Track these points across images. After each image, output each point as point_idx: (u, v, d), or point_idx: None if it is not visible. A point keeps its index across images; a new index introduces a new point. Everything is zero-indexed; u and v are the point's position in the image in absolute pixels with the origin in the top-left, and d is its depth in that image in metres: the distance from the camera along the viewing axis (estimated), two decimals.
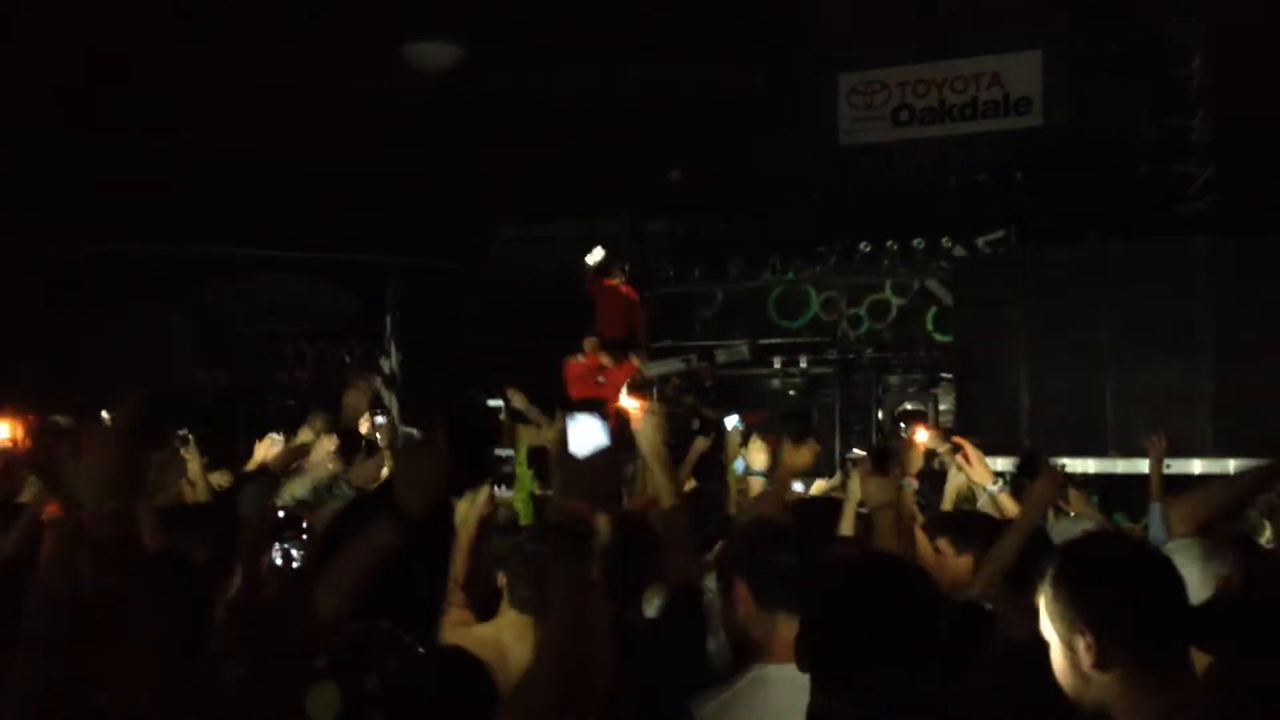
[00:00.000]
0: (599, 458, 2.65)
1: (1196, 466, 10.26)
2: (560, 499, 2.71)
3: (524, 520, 5.30)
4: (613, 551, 3.50)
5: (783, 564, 3.35)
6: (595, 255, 13.77)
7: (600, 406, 2.77)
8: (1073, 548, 2.70)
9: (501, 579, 3.87)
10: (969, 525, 4.79)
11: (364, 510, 3.02)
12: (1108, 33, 15.50)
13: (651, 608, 3.85)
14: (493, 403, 11.84)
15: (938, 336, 15.22)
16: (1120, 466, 10.28)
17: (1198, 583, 3.58)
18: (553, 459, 2.96)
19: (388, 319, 15.99)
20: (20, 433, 4.01)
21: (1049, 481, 4.47)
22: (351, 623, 2.53)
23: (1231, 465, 9.65)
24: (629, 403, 7.65)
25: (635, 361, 13.12)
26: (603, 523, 2.61)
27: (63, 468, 3.17)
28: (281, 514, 4.31)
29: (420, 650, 2.47)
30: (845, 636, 2.48)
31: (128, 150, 15.05)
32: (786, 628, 3.21)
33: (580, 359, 13.03)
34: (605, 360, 12.87)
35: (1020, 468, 4.92)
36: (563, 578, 2.64)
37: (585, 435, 2.65)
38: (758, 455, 5.69)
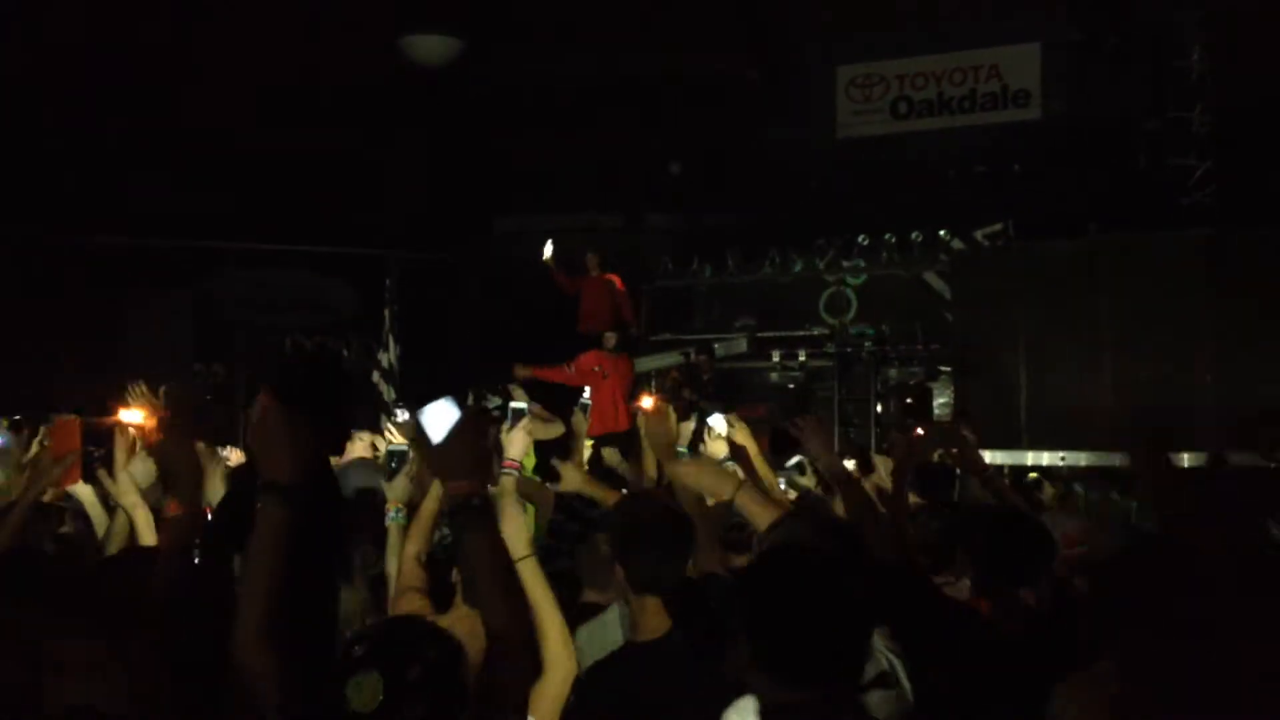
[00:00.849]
0: (459, 433, 2.64)
1: (1197, 458, 10.26)
2: (442, 486, 2.69)
3: None
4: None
5: (651, 555, 3.51)
6: (547, 250, 13.71)
7: (443, 391, 2.73)
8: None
9: (455, 574, 3.89)
10: None
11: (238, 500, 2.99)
12: (1106, 25, 15.47)
13: None
14: (493, 400, 11.85)
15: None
16: (1116, 459, 10.27)
17: None
18: (420, 455, 2.94)
19: (386, 312, 16.01)
20: (153, 423, 4.02)
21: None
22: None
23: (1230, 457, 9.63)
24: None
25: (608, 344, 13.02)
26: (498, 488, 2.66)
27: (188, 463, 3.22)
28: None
29: (457, 641, 2.45)
30: (789, 631, 2.49)
31: (127, 143, 15.05)
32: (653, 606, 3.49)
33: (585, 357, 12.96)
34: (610, 343, 12.83)
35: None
36: (483, 553, 2.65)
37: (438, 419, 2.64)
38: (717, 446, 5.67)
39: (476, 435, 2.69)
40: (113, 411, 3.99)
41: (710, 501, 4.02)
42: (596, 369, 12.50)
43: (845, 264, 15.96)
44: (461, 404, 2.66)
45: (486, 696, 2.48)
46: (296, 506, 2.57)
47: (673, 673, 3.38)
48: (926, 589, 3.66)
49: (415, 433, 2.68)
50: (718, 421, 5.59)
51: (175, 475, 3.29)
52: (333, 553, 2.97)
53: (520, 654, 2.66)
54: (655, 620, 3.52)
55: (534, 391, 11.57)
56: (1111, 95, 15.43)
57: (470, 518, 2.62)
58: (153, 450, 3.72)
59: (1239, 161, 14.33)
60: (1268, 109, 14.24)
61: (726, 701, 2.71)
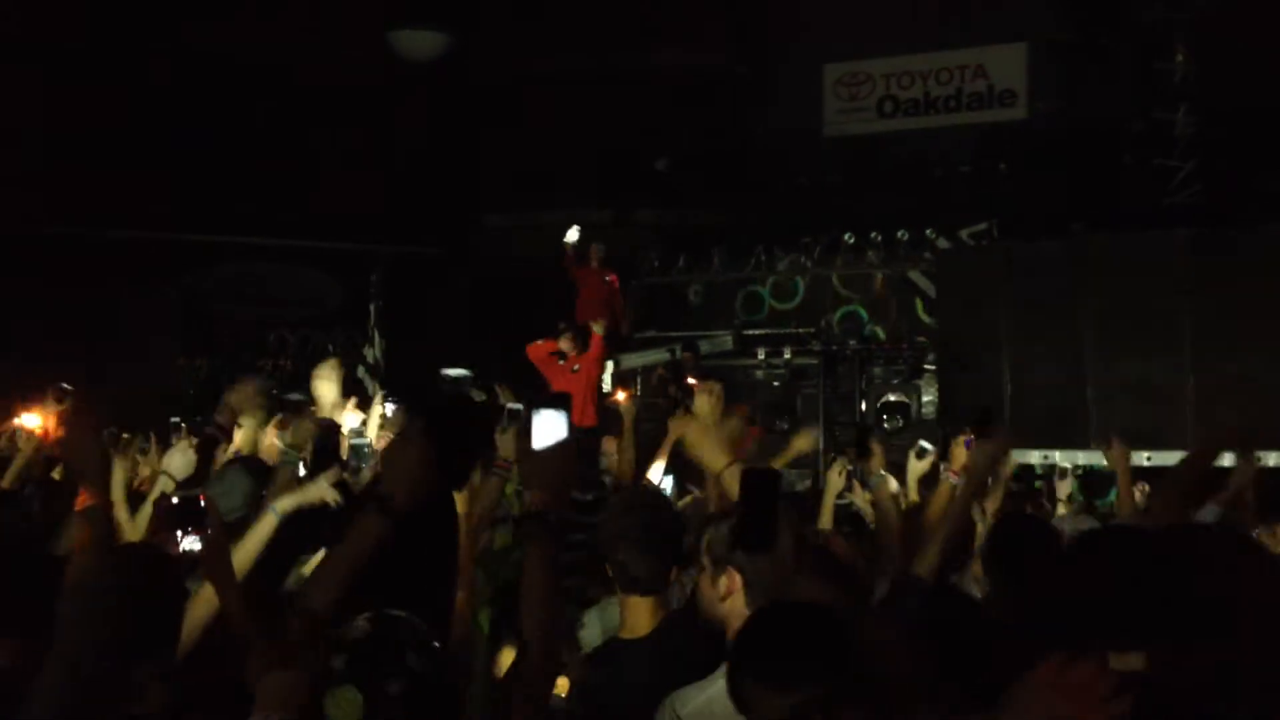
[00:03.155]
0: (558, 450, 2.71)
1: (1179, 459, 10.27)
2: (526, 487, 2.77)
3: (515, 512, 5.33)
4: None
5: (636, 553, 3.46)
6: (572, 234, 13.78)
7: (566, 401, 2.79)
8: None
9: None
10: None
11: (353, 509, 3.04)
12: (1092, 25, 15.52)
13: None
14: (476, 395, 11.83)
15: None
16: (1101, 460, 10.29)
17: None
18: (516, 451, 3.00)
19: (371, 307, 15.99)
20: (52, 423, 4.05)
21: (991, 446, 4.47)
22: (348, 617, 2.52)
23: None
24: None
25: (596, 330, 12.99)
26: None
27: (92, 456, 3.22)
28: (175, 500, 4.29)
29: (437, 645, 2.46)
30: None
31: (112, 136, 15.00)
32: (636, 605, 3.43)
33: (539, 342, 12.96)
34: (566, 346, 12.80)
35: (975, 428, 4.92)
36: (535, 566, 2.71)
37: (548, 428, 2.71)
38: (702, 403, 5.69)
39: (570, 457, 2.77)
40: (14, 414, 4.00)
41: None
42: (576, 369, 12.57)
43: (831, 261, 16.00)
44: (571, 424, 2.74)
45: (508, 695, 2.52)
46: (394, 526, 2.62)
47: (642, 673, 3.37)
48: None
49: (519, 430, 2.74)
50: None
51: (83, 467, 3.29)
52: (437, 587, 3.03)
53: (544, 664, 2.71)
54: (638, 619, 3.53)
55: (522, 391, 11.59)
56: (1097, 96, 15.48)
57: (537, 529, 2.69)
58: (57, 446, 3.72)
59: (1223, 163, 14.39)
60: (1252, 111, 14.30)
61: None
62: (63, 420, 3.61)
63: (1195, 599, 2.89)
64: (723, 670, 3.03)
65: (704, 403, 4.96)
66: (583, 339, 12.83)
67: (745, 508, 3.11)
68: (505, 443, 4.37)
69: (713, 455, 3.98)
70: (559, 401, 2.77)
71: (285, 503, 4.10)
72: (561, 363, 12.72)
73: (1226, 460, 5.55)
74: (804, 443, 7.30)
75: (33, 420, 4.09)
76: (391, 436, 5.77)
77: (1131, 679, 2.65)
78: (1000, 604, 4.02)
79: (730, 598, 3.31)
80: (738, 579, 3.30)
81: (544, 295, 14.36)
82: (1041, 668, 2.13)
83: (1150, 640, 2.72)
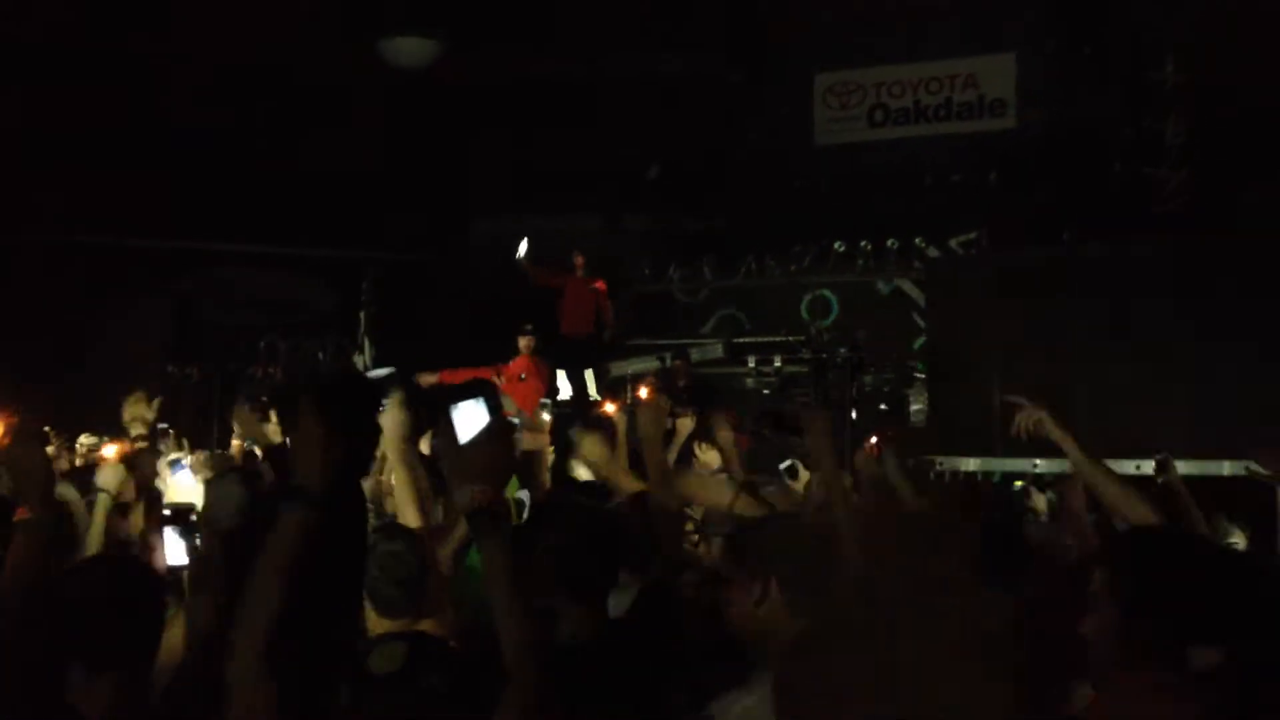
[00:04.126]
0: (487, 437, 2.64)
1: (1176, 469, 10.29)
2: (457, 487, 2.67)
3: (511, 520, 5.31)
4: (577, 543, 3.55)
5: (584, 560, 3.41)
6: (521, 248, 13.77)
7: (483, 388, 2.72)
8: None
9: None
10: None
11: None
12: (1082, 35, 15.57)
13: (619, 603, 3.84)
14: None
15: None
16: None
17: None
18: (440, 449, 2.92)
19: (362, 315, 15.97)
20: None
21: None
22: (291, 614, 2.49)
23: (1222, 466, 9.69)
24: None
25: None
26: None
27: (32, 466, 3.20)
28: (167, 511, 4.28)
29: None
30: None
31: (103, 142, 14.98)
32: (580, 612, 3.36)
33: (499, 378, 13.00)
34: (525, 345, 12.90)
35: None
36: (495, 563, 2.63)
37: (469, 420, 2.64)
38: (710, 456, 5.68)
39: (503, 442, 2.70)
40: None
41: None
42: (522, 377, 12.59)
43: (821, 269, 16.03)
44: (492, 408, 2.66)
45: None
46: (321, 514, 2.53)
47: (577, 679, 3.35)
48: None
49: (440, 428, 2.66)
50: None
51: (25, 479, 3.26)
52: (355, 575, 2.95)
53: (526, 664, 2.61)
54: (580, 625, 3.52)
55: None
56: (1087, 105, 15.53)
57: (484, 524, 2.61)
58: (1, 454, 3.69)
59: (1212, 172, 14.43)
60: (1241, 120, 14.34)
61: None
62: (9, 429, 3.59)
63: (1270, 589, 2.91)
64: (760, 680, 3.03)
65: (645, 415, 4.72)
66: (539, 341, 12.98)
67: None
68: None
69: (719, 494, 3.94)
70: (474, 390, 2.69)
71: None
72: (523, 380, 12.75)
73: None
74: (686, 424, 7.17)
75: None
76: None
77: (1211, 673, 2.67)
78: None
79: (766, 604, 3.28)
80: (774, 585, 3.28)
81: (534, 302, 14.34)
82: None
83: (1228, 634, 2.73)
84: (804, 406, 4.51)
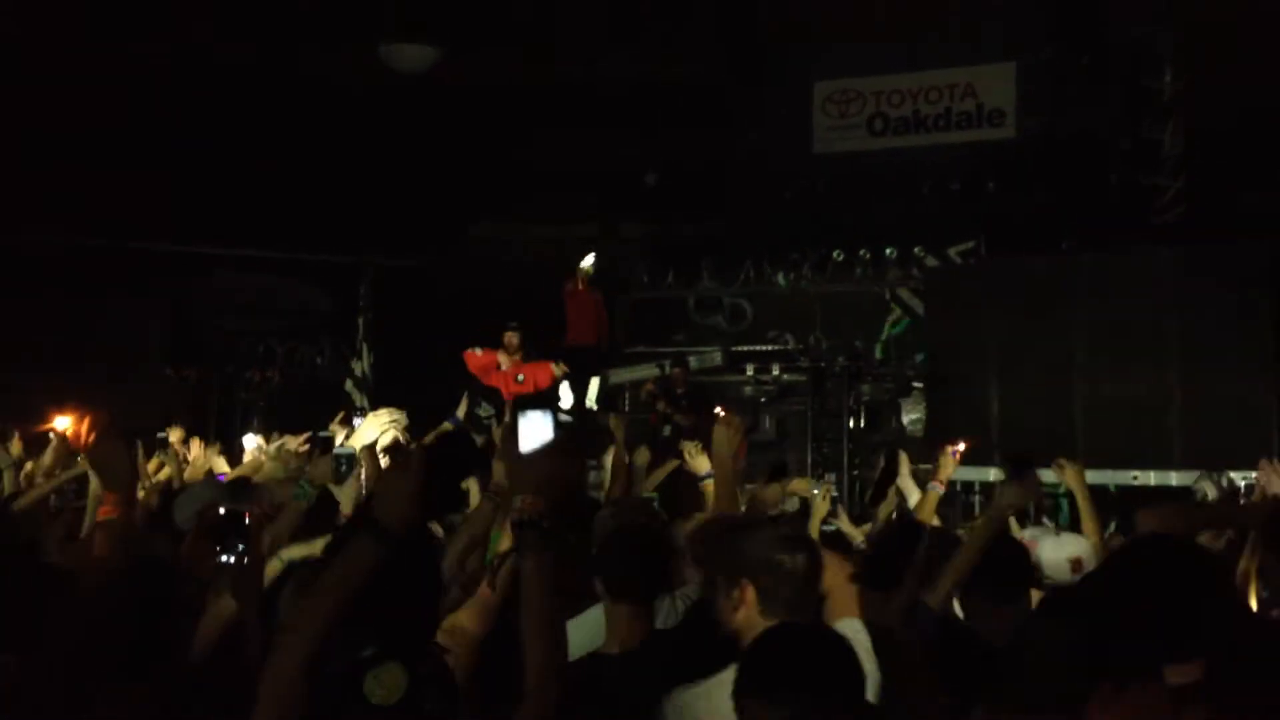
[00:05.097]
0: (546, 451, 2.64)
1: (1169, 478, 10.33)
2: (513, 493, 2.67)
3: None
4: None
5: (796, 570, 3.37)
6: (588, 260, 13.82)
7: (549, 402, 2.76)
8: None
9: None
10: None
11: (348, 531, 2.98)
12: (1080, 45, 15.59)
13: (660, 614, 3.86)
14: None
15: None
16: (1086, 477, 10.28)
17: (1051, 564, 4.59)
18: (503, 455, 2.92)
19: (360, 319, 15.97)
20: (84, 428, 4.04)
21: (1021, 488, 4.39)
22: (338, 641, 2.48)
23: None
24: None
25: (554, 369, 13.06)
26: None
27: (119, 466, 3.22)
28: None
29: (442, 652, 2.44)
30: None
31: (99, 145, 14.98)
32: (627, 613, 3.45)
33: (477, 352, 12.94)
34: (503, 360, 12.82)
35: (1008, 467, 4.88)
36: (534, 578, 2.63)
37: (534, 431, 2.64)
38: (702, 461, 5.70)
39: (564, 458, 2.70)
40: (48, 419, 4.00)
41: None
42: (519, 378, 12.56)
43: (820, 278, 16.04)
44: (558, 424, 2.67)
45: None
46: (392, 553, 2.52)
47: (629, 690, 3.35)
48: None
49: (505, 433, 2.68)
50: None
51: (111, 476, 3.28)
52: (419, 617, 3.00)
53: (547, 682, 2.61)
54: (628, 629, 3.53)
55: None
56: (1085, 115, 15.54)
57: (532, 536, 2.62)
58: (88, 453, 3.73)
59: (1210, 181, 14.45)
60: (1239, 129, 14.37)
61: None
62: (93, 428, 3.62)
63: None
64: (727, 669, 3.06)
65: (721, 435, 4.75)
66: (528, 342, 12.92)
67: None
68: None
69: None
70: (544, 402, 2.72)
71: (294, 552, 4.13)
72: (503, 370, 12.69)
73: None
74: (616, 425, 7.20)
75: (63, 423, 4.10)
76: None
77: (1191, 690, 2.67)
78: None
79: (743, 610, 3.30)
80: (750, 591, 3.29)
81: (533, 307, 14.35)
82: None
83: (1207, 650, 2.72)
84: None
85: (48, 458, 4.83)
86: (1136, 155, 14.83)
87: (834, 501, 6.18)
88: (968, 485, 11.11)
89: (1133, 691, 2.62)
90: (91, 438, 3.49)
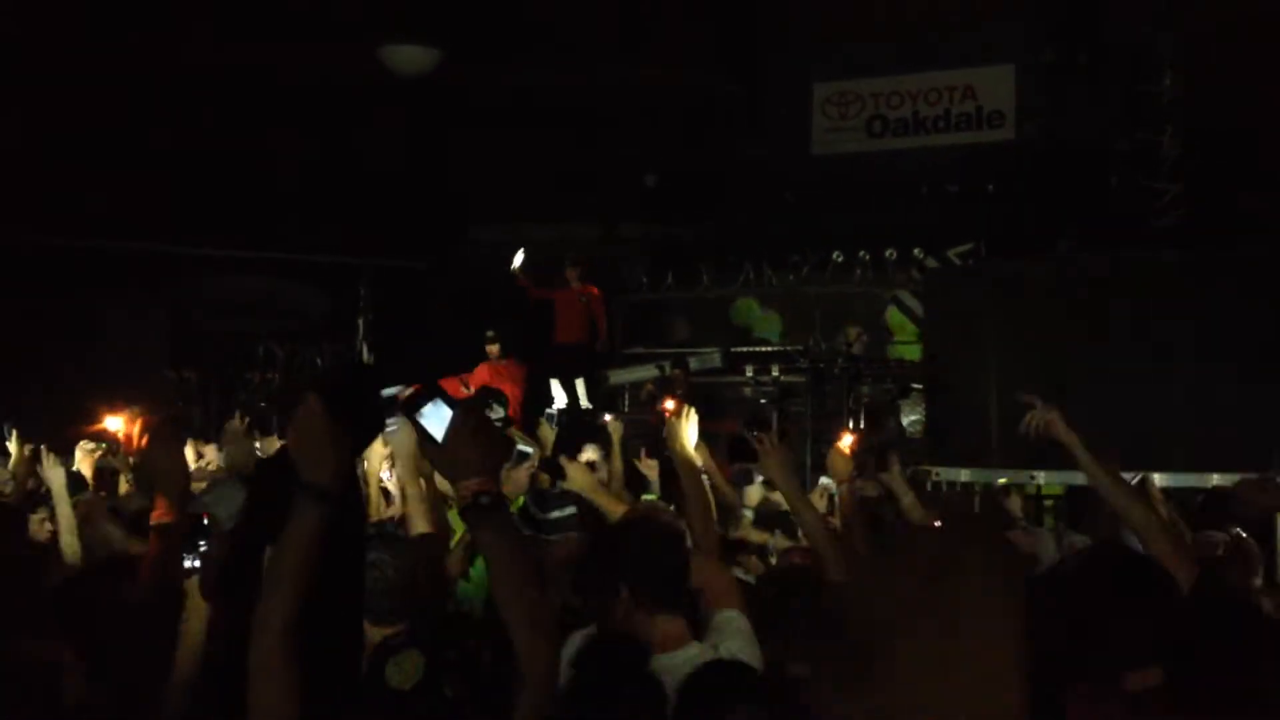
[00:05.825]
0: (459, 430, 2.56)
1: (1169, 481, 10.32)
2: (453, 485, 2.61)
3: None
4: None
5: (669, 565, 3.50)
6: (518, 259, 13.79)
7: (434, 389, 2.66)
8: None
9: None
10: None
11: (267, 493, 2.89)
12: (1080, 47, 15.62)
13: None
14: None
15: (902, 350, 15.25)
16: (1086, 480, 10.28)
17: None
18: (426, 455, 2.85)
19: (360, 320, 15.97)
20: (136, 429, 4.05)
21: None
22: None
23: (1213, 479, 9.70)
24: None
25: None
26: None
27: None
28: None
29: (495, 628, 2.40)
30: None
31: (100, 147, 14.98)
32: (670, 625, 3.45)
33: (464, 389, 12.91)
34: (493, 351, 12.83)
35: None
36: (496, 554, 2.57)
37: (435, 420, 2.56)
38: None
39: (479, 428, 2.61)
40: (97, 419, 4.01)
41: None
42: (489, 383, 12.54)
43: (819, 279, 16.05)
44: (450, 401, 2.58)
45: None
46: (333, 510, 2.47)
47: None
48: None
49: (418, 440, 2.61)
50: None
51: (163, 479, 3.29)
52: (358, 562, 2.93)
53: (544, 658, 2.54)
54: (674, 634, 3.52)
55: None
56: (1084, 117, 15.57)
57: (481, 515, 2.54)
58: (139, 455, 3.75)
59: (1209, 183, 14.47)
60: (1238, 133, 14.39)
61: None
62: (146, 431, 3.62)
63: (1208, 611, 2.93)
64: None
65: (671, 427, 4.65)
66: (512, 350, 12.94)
67: None
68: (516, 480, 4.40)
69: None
70: (429, 394, 2.62)
71: None
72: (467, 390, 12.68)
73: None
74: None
75: (115, 424, 4.12)
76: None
77: (1152, 695, 2.68)
78: None
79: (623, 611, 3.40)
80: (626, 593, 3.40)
81: (531, 309, 14.36)
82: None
83: (1167, 655, 2.74)
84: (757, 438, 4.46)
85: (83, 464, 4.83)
86: (1135, 158, 14.86)
87: (829, 499, 6.18)
88: (967, 486, 11.12)
89: (1097, 696, 2.64)
90: (144, 440, 3.49)
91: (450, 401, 2.57)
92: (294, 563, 2.43)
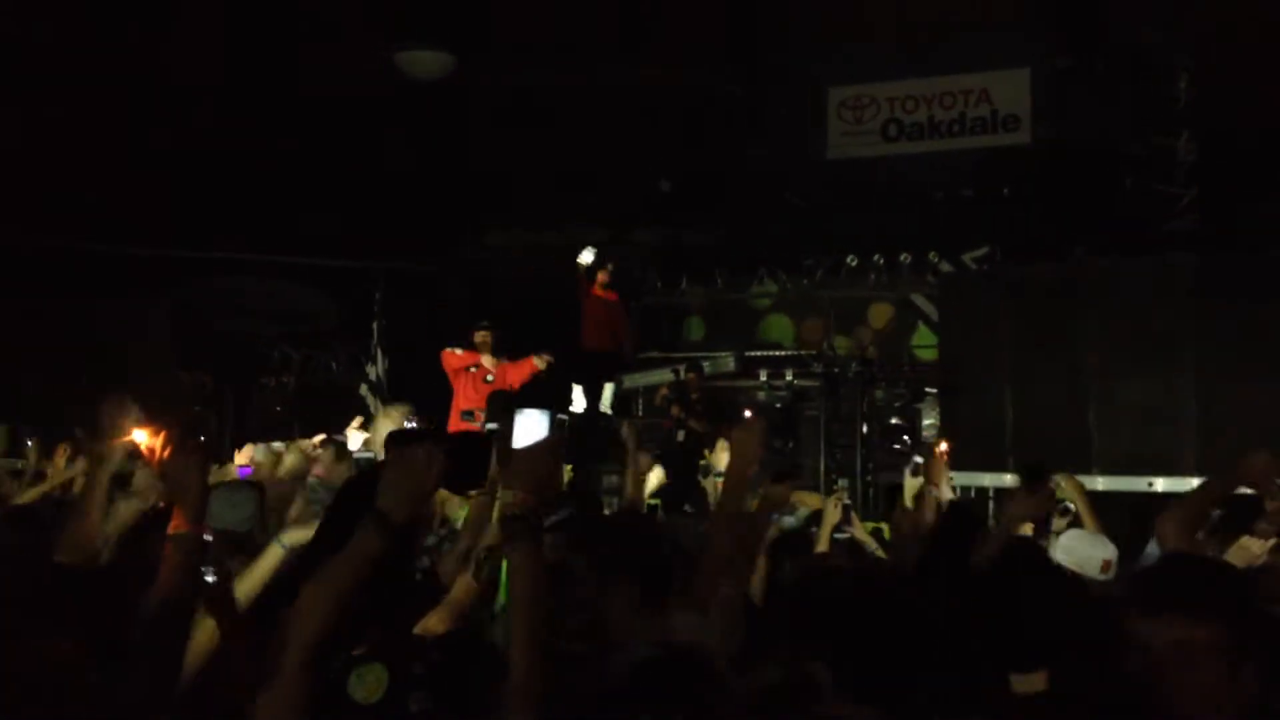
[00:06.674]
0: (539, 449, 2.68)
1: (1183, 484, 10.30)
2: (505, 490, 2.69)
3: None
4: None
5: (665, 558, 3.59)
6: (587, 256, 13.65)
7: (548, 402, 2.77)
8: None
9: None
10: None
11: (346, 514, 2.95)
12: (1095, 51, 15.60)
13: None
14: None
15: (920, 353, 15.25)
16: (1100, 484, 10.31)
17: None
18: (499, 452, 2.92)
19: (374, 325, 15.99)
20: (159, 442, 4.07)
21: (1034, 499, 4.41)
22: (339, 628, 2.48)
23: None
24: None
25: (535, 362, 12.80)
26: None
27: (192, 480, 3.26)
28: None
29: (462, 642, 2.44)
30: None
31: (113, 150, 15.04)
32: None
33: (458, 351, 12.79)
34: (487, 361, 12.64)
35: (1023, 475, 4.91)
36: (524, 571, 2.64)
37: (529, 429, 2.72)
38: (723, 457, 5.75)
39: (555, 455, 2.72)
40: (123, 430, 4.00)
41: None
42: (489, 379, 12.43)
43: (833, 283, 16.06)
44: (553, 422, 2.73)
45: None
46: (393, 545, 2.54)
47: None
48: None
49: (501, 429, 2.70)
50: None
51: (183, 492, 3.32)
52: (399, 598, 3.00)
53: (531, 677, 2.58)
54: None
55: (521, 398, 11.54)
56: (1099, 121, 15.54)
57: (520, 530, 2.63)
58: (162, 466, 3.76)
59: (1223, 188, 14.45)
60: (1252, 137, 14.36)
61: None
62: (169, 442, 3.65)
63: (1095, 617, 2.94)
64: None
65: (741, 436, 4.68)
66: (501, 343, 12.70)
67: None
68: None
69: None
70: (541, 402, 2.73)
71: (294, 536, 4.11)
72: (472, 371, 12.55)
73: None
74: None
75: (141, 436, 4.13)
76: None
77: (1034, 700, 2.71)
78: None
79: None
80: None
81: (544, 313, 14.37)
82: None
83: (1052, 660, 2.76)
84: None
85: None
86: (1150, 162, 14.84)
87: (846, 510, 6.16)
88: (982, 490, 11.12)
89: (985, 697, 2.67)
90: (167, 452, 3.52)
91: (553, 421, 2.74)
92: (343, 581, 2.48)
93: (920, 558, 4.48)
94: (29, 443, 7.73)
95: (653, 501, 7.61)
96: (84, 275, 15.04)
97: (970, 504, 6.33)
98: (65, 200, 14.84)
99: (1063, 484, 6.08)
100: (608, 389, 14.14)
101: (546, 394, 13.51)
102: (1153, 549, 4.74)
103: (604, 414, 13.82)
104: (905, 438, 13.83)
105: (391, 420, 7.45)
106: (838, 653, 2.66)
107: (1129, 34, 15.33)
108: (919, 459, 6.37)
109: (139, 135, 15.24)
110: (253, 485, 5.34)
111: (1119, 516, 8.30)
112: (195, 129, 15.54)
